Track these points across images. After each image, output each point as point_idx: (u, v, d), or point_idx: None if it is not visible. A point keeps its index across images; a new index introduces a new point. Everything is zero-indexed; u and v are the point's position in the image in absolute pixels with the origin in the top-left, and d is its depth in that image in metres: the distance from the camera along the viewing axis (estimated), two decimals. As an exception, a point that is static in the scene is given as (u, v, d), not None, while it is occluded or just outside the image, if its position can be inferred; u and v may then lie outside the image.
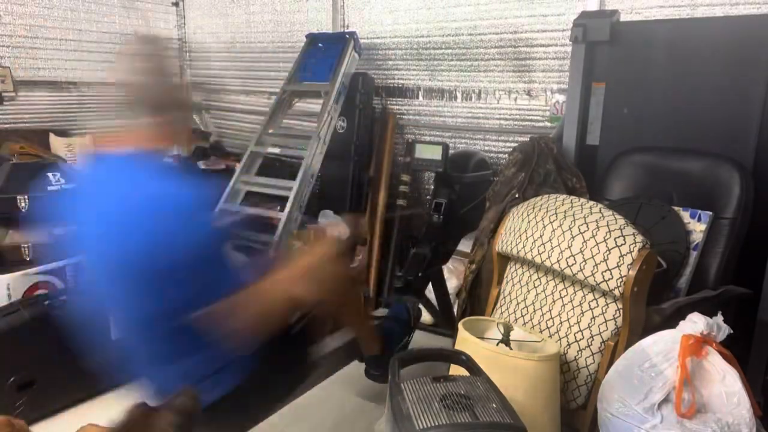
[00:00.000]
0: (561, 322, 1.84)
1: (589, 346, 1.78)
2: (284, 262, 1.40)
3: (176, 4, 4.79)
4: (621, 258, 1.68)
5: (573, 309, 1.83)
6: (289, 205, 3.09)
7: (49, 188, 2.59)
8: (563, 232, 1.81)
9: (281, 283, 1.30)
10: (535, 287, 1.95)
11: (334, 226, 1.66)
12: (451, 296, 2.88)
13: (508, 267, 2.10)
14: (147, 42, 1.43)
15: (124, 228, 1.19)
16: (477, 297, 2.36)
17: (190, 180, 1.24)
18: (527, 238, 1.91)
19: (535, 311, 1.92)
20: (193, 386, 1.27)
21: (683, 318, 1.59)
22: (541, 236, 1.87)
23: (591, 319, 1.78)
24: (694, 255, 2.05)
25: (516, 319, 1.97)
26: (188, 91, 1.38)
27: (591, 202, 1.89)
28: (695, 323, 1.55)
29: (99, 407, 2.15)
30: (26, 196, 2.52)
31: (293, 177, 3.21)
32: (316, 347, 1.67)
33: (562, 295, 1.86)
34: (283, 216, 3.08)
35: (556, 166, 2.42)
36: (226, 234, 1.39)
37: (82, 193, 1.36)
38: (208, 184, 1.30)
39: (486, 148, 3.40)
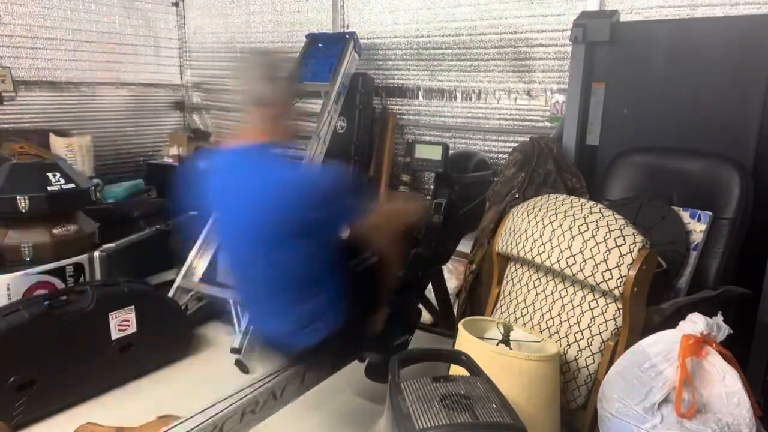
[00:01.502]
0: (561, 322, 1.84)
1: (589, 346, 1.78)
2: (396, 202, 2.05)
3: (176, 4, 4.79)
4: (621, 258, 1.68)
5: (573, 309, 1.83)
6: (289, 205, 3.08)
7: (50, 188, 2.59)
8: (563, 232, 1.81)
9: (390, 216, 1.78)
10: (535, 287, 1.95)
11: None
12: (451, 296, 2.87)
13: (508, 267, 2.10)
14: (262, 56, 1.72)
15: (266, 200, 1.50)
16: (477, 297, 2.36)
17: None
18: (527, 238, 1.91)
19: (535, 311, 1.92)
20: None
21: (683, 318, 1.60)
22: (541, 236, 1.87)
23: (591, 319, 1.78)
24: (694, 255, 2.05)
25: (516, 319, 1.97)
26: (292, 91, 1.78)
27: (591, 202, 1.89)
28: (695, 323, 1.55)
29: (99, 407, 2.15)
30: (26, 196, 2.52)
31: (293, 177, 3.20)
32: (383, 296, 1.90)
33: (562, 295, 1.86)
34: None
35: (556, 166, 2.42)
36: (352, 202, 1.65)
37: (227, 176, 1.62)
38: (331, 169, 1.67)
39: (486, 148, 3.40)
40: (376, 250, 1.79)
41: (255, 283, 1.70)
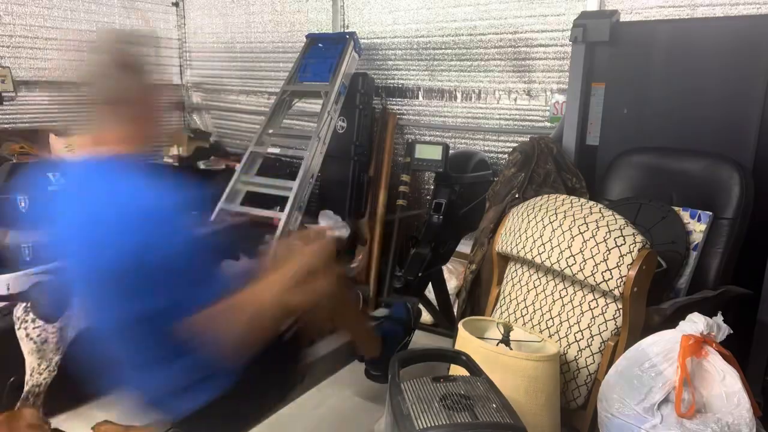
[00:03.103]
0: (561, 322, 1.84)
1: (589, 346, 1.78)
2: (274, 265, 1.33)
3: (176, 4, 4.79)
4: (621, 258, 1.68)
5: (573, 309, 1.83)
6: (289, 205, 3.09)
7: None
8: (563, 232, 1.81)
9: (271, 290, 1.23)
10: (535, 287, 1.95)
11: (327, 228, 1.60)
12: (451, 296, 2.88)
13: (508, 267, 2.10)
14: (118, 39, 1.31)
15: (100, 234, 1.14)
16: (477, 297, 2.36)
17: (170, 183, 1.17)
18: (527, 238, 1.91)
19: (535, 311, 1.92)
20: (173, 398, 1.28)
21: (683, 318, 1.60)
22: (541, 236, 1.87)
23: (591, 319, 1.78)
24: (694, 255, 2.05)
25: (516, 319, 1.97)
26: (166, 91, 1.25)
27: (591, 202, 1.89)
28: (695, 323, 1.55)
29: (99, 407, 2.15)
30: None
31: (293, 177, 3.21)
32: (308, 353, 1.63)
33: (562, 295, 1.86)
34: (283, 216, 3.08)
35: (556, 167, 2.42)
36: (211, 239, 1.34)
37: (60, 198, 1.29)
38: (191, 187, 1.20)
39: (486, 148, 3.40)
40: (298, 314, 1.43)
41: (112, 334, 1.28)
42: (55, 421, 2.04)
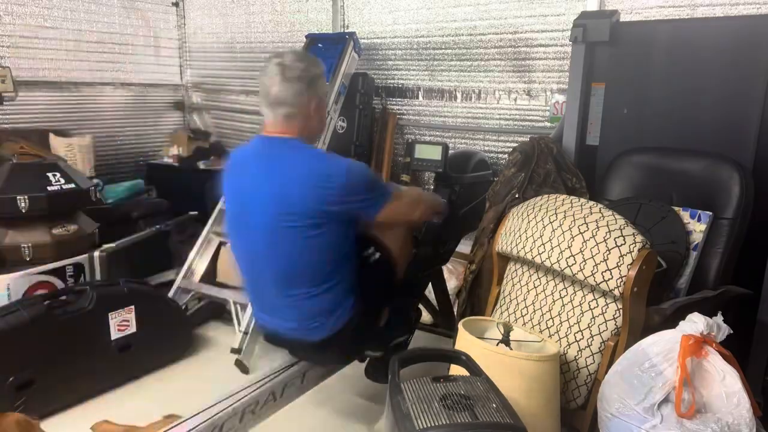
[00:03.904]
0: (561, 322, 1.84)
1: (589, 346, 1.78)
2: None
3: (176, 4, 4.78)
4: (621, 258, 1.68)
5: (573, 309, 1.83)
6: (289, 205, 3.08)
7: (50, 188, 2.59)
8: (563, 232, 1.81)
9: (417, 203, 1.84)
10: (535, 287, 1.95)
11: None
12: (451, 296, 2.87)
13: (508, 267, 2.10)
14: (307, 65, 1.68)
15: (310, 184, 1.55)
16: (477, 297, 2.36)
17: (329, 155, 1.72)
18: (527, 238, 1.91)
19: (535, 311, 1.92)
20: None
21: (683, 318, 1.60)
22: (541, 236, 1.87)
23: (591, 319, 1.78)
24: (694, 255, 2.05)
25: (516, 319, 1.97)
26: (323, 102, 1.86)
27: (591, 202, 1.89)
28: (695, 323, 1.55)
29: (99, 407, 2.15)
30: (26, 197, 2.52)
31: (293, 177, 3.20)
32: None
33: (562, 295, 1.86)
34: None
35: (556, 166, 2.41)
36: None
37: (256, 162, 1.67)
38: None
39: (486, 148, 3.40)
40: (385, 244, 1.80)
41: (265, 275, 1.69)
42: (52, 422, 2.05)
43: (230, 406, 1.64)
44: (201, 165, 4.17)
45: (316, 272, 1.63)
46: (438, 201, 2.04)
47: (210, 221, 3.10)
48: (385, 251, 1.81)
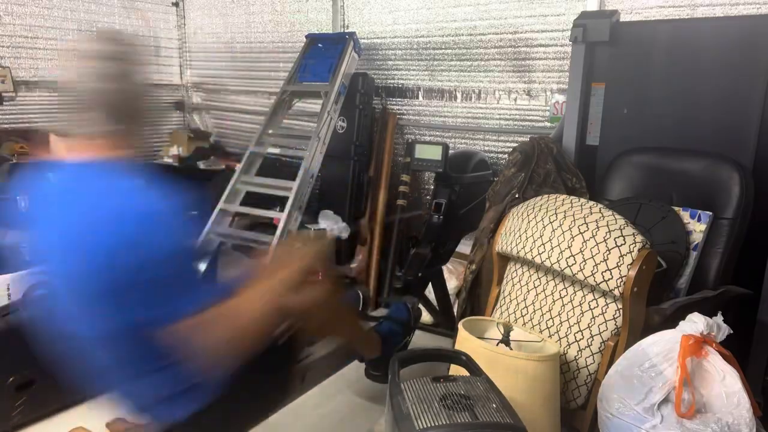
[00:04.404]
0: (561, 322, 1.84)
1: (589, 346, 1.78)
2: (272, 269, 1.31)
3: (176, 4, 4.79)
4: (621, 258, 1.68)
5: (573, 309, 1.83)
6: (289, 205, 3.09)
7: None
8: (563, 232, 1.81)
9: (263, 297, 1.21)
10: (535, 287, 1.95)
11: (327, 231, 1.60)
12: (451, 296, 2.88)
13: (508, 267, 2.10)
14: (113, 42, 1.26)
15: (86, 238, 1.10)
16: (477, 297, 2.36)
17: (161, 187, 1.14)
18: (527, 238, 1.91)
19: (535, 311, 1.92)
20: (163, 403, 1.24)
21: (683, 318, 1.59)
22: (541, 236, 1.87)
23: (591, 319, 1.78)
24: (694, 255, 2.05)
25: (516, 319, 1.97)
26: (157, 93, 1.22)
27: (591, 202, 1.89)
28: (695, 323, 1.55)
29: (99, 408, 2.14)
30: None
31: (293, 177, 3.21)
32: (306, 355, 1.65)
33: (562, 295, 1.86)
34: (283, 216, 3.08)
35: (556, 166, 2.41)
36: (198, 248, 1.29)
37: (42, 203, 1.28)
38: (182, 191, 1.16)
39: (486, 148, 3.40)
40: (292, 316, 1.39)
41: (98, 341, 1.22)
42: (52, 422, 2.05)
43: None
44: (201, 165, 4.17)
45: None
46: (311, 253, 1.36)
47: (210, 221, 3.10)
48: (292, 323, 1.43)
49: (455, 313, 2.64)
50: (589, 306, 1.79)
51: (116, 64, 1.22)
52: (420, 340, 2.39)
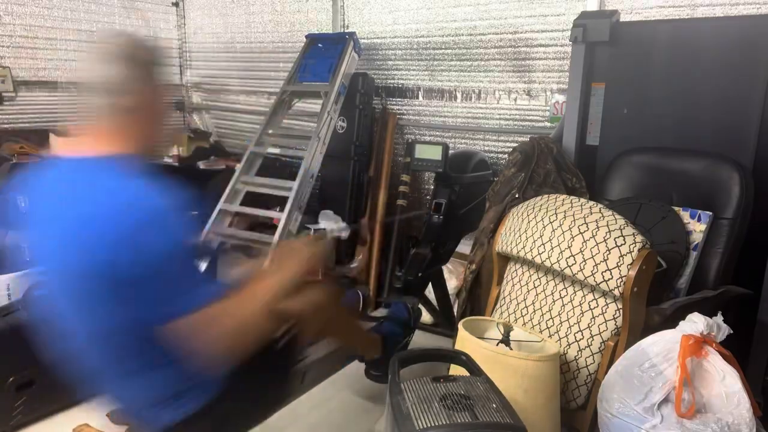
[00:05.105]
0: (561, 322, 1.84)
1: (589, 346, 1.78)
2: (271, 270, 1.31)
3: (176, 4, 4.79)
4: (621, 258, 1.68)
5: (573, 309, 1.83)
6: (289, 205, 3.09)
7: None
8: (563, 232, 1.81)
9: (262, 297, 1.21)
10: (535, 287, 1.95)
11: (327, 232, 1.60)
12: (451, 296, 2.88)
13: (508, 267, 2.10)
14: (133, 42, 1.27)
15: (86, 237, 1.09)
16: (477, 297, 2.36)
17: (161, 186, 1.12)
18: (527, 238, 1.91)
19: (535, 311, 1.92)
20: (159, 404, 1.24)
21: (683, 318, 1.60)
22: (541, 236, 1.87)
23: (591, 319, 1.78)
24: (694, 255, 2.05)
25: (516, 319, 1.97)
26: (168, 93, 1.21)
27: (591, 202, 1.89)
28: (695, 323, 1.55)
29: (98, 408, 2.14)
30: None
31: (293, 177, 3.21)
32: (304, 357, 1.63)
33: (562, 295, 1.86)
34: (283, 216, 3.08)
35: (556, 166, 2.42)
36: (198, 246, 1.29)
37: (43, 200, 1.27)
38: (184, 190, 1.15)
39: (486, 148, 3.40)
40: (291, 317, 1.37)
41: (88, 342, 1.23)
42: (52, 422, 2.05)
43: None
44: (201, 165, 4.17)
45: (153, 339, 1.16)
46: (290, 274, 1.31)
47: (210, 221, 3.10)
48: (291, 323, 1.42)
49: (455, 313, 2.64)
50: (589, 306, 1.79)
51: (135, 63, 1.23)
52: (420, 340, 2.39)
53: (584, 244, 1.75)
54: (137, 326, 1.13)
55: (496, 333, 1.77)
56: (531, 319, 1.93)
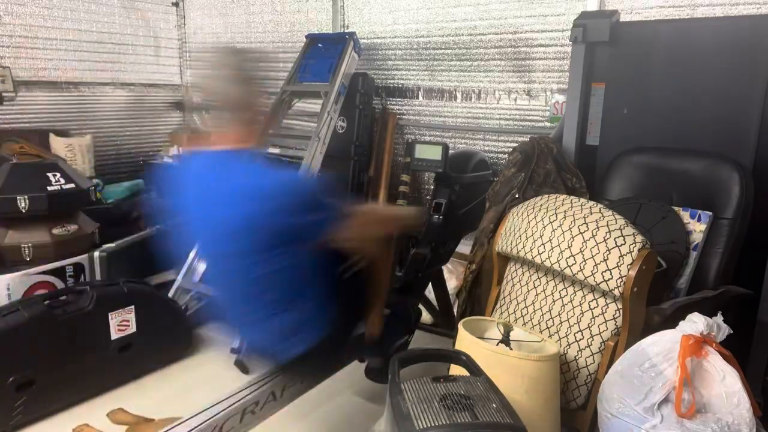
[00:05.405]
0: (561, 322, 1.84)
1: (589, 346, 1.78)
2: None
3: (176, 4, 4.78)
4: (621, 258, 1.68)
5: (573, 309, 1.83)
6: (289, 205, 3.08)
7: (50, 188, 2.59)
8: (563, 232, 1.81)
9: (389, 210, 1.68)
10: (535, 287, 1.95)
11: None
12: (451, 296, 2.88)
13: (508, 267, 2.10)
14: (234, 54, 1.59)
15: (249, 201, 1.41)
16: (477, 297, 2.36)
17: (276, 168, 1.52)
18: (527, 239, 1.91)
19: (535, 311, 1.92)
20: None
21: (683, 318, 1.60)
22: (541, 236, 1.87)
23: (591, 319, 1.78)
24: (694, 255, 2.05)
25: (516, 319, 1.97)
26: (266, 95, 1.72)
27: (591, 202, 1.89)
28: (695, 323, 1.55)
29: (98, 408, 2.15)
30: (26, 196, 2.52)
31: (293, 177, 3.20)
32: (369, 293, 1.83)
33: (562, 295, 1.86)
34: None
35: (556, 166, 2.42)
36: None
37: (194, 182, 1.56)
38: (289, 171, 1.60)
39: (486, 148, 3.40)
40: (366, 254, 1.68)
41: (234, 293, 1.61)
42: (53, 422, 2.05)
43: (230, 406, 1.64)
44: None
45: (284, 289, 1.55)
46: (409, 214, 1.98)
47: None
48: (367, 259, 1.71)
49: (455, 313, 2.64)
50: (589, 306, 1.79)
51: (243, 74, 1.53)
52: (420, 340, 2.39)
53: (584, 244, 1.75)
54: (299, 258, 1.48)
55: (496, 333, 1.77)
56: (531, 319, 1.92)
